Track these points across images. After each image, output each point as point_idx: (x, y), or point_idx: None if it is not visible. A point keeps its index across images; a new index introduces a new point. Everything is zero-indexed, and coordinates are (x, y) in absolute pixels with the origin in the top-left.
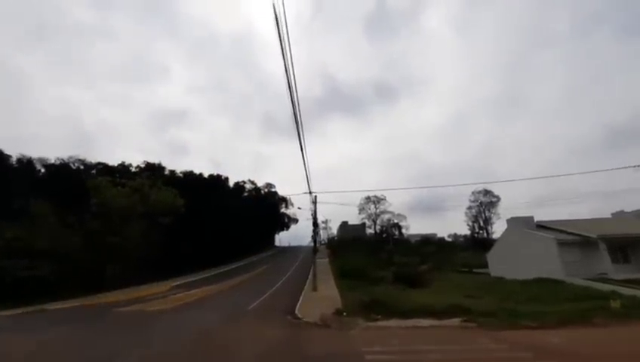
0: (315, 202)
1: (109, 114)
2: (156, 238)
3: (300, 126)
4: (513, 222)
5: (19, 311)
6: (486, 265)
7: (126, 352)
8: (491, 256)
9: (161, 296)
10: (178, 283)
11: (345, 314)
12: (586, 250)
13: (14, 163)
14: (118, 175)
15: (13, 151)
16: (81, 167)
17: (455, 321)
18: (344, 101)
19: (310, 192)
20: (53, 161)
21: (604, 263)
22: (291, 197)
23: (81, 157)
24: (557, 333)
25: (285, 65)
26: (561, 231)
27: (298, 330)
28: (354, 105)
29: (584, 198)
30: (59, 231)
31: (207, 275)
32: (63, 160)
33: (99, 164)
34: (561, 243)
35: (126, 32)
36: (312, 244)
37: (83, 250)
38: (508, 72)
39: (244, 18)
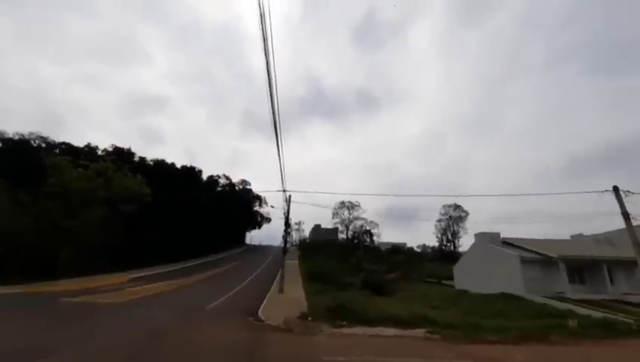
0: (288, 200)
1: (81, 93)
2: (118, 227)
3: (277, 121)
4: (480, 237)
5: None
6: (452, 277)
7: (54, 347)
8: (457, 269)
9: (116, 289)
10: (138, 275)
11: (310, 318)
12: (546, 268)
13: None
14: (82, 157)
15: None
16: (43, 145)
17: (419, 332)
18: (326, 106)
19: (284, 190)
20: (11, 136)
21: (562, 282)
22: (266, 195)
23: (44, 134)
24: (518, 350)
25: (267, 59)
26: (525, 249)
27: (258, 333)
28: (335, 110)
29: (545, 220)
30: (7, 210)
31: (171, 269)
32: (22, 135)
33: (62, 143)
34: (524, 261)
35: (107, 9)
36: (283, 244)
37: (34, 231)
38: (484, 95)
39: (232, 9)
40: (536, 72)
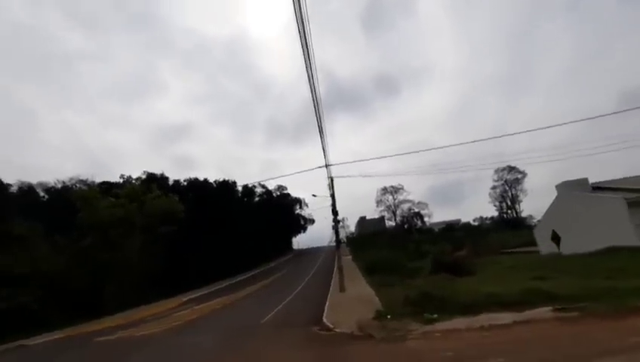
0: (331, 177)
1: (112, 135)
2: (160, 251)
3: (315, 89)
4: (564, 187)
5: None
6: (526, 244)
7: None
8: (539, 231)
9: (161, 316)
10: (189, 297)
11: (389, 316)
12: None
13: (15, 191)
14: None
15: (15, 180)
16: (84, 188)
17: (543, 312)
18: (346, 98)
19: (327, 165)
20: (53, 184)
21: None
22: (305, 178)
23: (83, 177)
24: None
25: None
26: (626, 190)
27: (329, 347)
28: (356, 100)
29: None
30: (42, 253)
31: (220, 286)
32: (63, 182)
33: (103, 183)
34: (632, 203)
35: (118, 49)
36: (332, 244)
37: (72, 270)
38: (510, 48)
39: (234, 23)
40: (565, 9)
